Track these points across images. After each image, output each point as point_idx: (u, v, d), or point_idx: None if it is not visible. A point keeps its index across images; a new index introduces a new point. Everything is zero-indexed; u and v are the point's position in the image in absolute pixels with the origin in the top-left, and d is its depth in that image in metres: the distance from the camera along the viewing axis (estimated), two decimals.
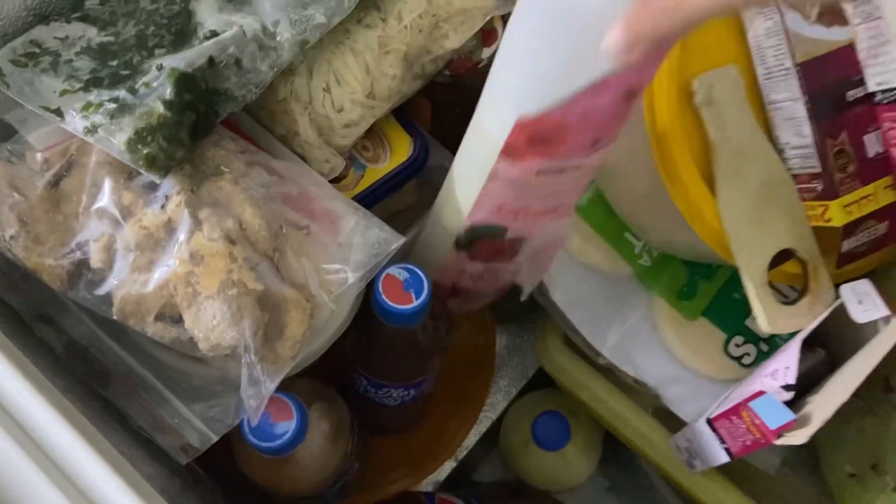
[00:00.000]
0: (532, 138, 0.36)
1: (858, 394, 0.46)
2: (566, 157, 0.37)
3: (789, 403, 0.41)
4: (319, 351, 0.43)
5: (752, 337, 0.57)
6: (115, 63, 0.39)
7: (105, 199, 0.37)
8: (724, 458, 0.47)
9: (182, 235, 0.36)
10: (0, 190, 0.36)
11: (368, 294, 0.43)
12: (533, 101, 0.35)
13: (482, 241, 0.46)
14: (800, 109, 0.43)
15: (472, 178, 0.41)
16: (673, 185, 0.44)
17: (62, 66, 0.38)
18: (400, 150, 0.51)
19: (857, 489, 0.50)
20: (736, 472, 0.57)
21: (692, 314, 0.57)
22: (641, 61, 0.29)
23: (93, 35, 0.40)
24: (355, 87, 0.45)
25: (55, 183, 0.38)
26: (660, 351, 0.57)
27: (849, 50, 0.43)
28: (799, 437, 0.38)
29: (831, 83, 0.43)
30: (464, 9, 0.47)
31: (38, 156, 0.38)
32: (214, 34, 0.39)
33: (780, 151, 0.45)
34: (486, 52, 0.52)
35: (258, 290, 0.36)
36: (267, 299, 0.37)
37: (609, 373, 0.58)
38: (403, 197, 0.55)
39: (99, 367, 0.38)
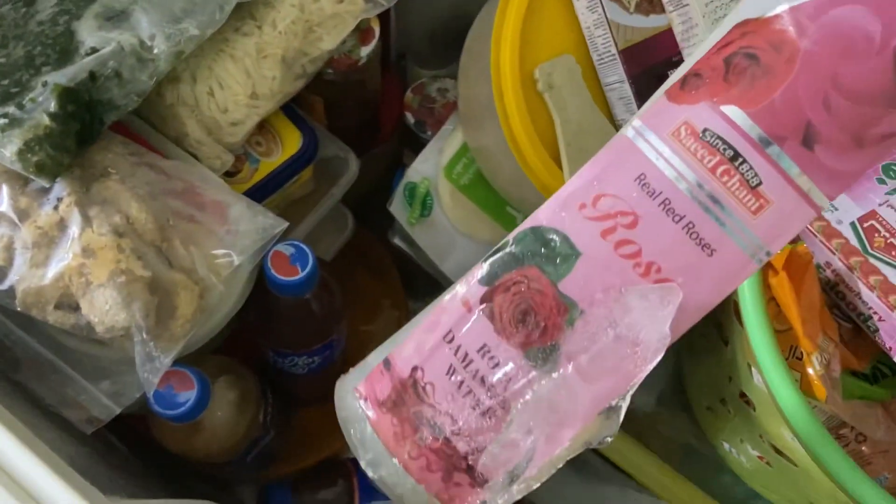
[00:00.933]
0: (736, 65, 0.30)
1: (706, 335, 0.52)
2: (769, 125, 0.28)
3: None
4: (217, 327, 0.48)
5: None
6: (6, 82, 0.43)
7: (3, 204, 0.41)
8: None
9: (74, 232, 0.41)
10: None
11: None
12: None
13: None
14: (627, 89, 0.48)
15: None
16: (524, 164, 0.50)
17: None
18: (290, 143, 0.56)
19: (713, 420, 0.56)
20: None
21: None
22: None
23: None
24: (237, 90, 0.50)
25: None
26: None
27: (668, 34, 0.48)
28: None
29: (654, 64, 0.49)
30: (335, 13, 0.52)
31: None
32: (95, 50, 0.43)
33: (618, 127, 0.50)
34: (364, 51, 0.57)
35: (146, 277, 0.41)
36: (157, 284, 0.42)
37: None
38: (302, 186, 0.60)
39: (9, 354, 0.43)
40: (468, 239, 0.62)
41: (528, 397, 0.33)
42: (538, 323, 0.33)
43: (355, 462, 0.72)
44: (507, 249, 0.36)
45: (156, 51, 0.44)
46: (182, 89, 0.49)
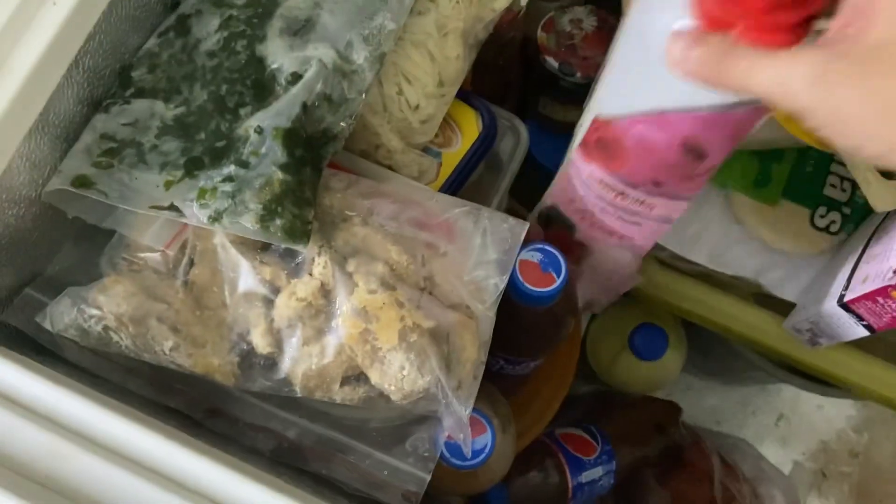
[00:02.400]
0: (599, 141, 0.41)
1: None
2: (626, 181, 0.42)
3: None
4: None
5: (834, 204, 0.57)
6: (202, 136, 0.36)
7: (247, 280, 0.35)
8: (862, 333, 0.48)
9: (341, 296, 0.35)
10: (141, 304, 0.34)
11: None
12: (608, 106, 0.40)
13: (556, 225, 0.49)
14: None
15: (565, 160, 0.46)
16: None
17: (150, 155, 0.35)
18: (469, 127, 0.49)
19: None
20: None
21: (773, 198, 0.57)
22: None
23: (162, 110, 0.37)
24: (426, 81, 0.43)
25: (186, 279, 0.36)
26: (749, 243, 0.58)
27: None
28: None
29: None
30: None
31: (158, 256, 0.36)
32: (298, 77, 0.36)
33: None
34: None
35: (432, 327, 0.35)
36: (438, 331, 0.36)
37: (705, 277, 0.59)
38: None
39: (287, 443, 0.37)
40: None
41: None
42: None
43: (556, 439, 0.69)
44: None
45: (358, 60, 0.37)
46: (369, 96, 0.42)
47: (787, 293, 0.57)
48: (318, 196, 0.37)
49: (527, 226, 0.41)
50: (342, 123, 0.37)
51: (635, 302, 0.72)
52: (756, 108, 0.35)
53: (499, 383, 0.53)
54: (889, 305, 0.44)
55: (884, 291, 0.44)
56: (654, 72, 0.33)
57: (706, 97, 0.34)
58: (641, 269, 0.60)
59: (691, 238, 0.57)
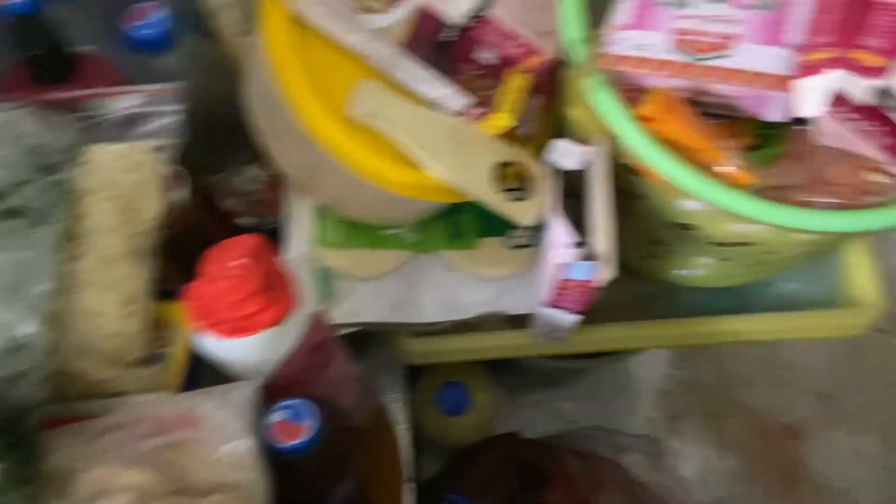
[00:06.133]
0: None
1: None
2: None
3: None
4: None
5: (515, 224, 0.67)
6: None
7: None
8: (574, 317, 0.57)
9: None
10: None
11: None
12: None
13: None
14: (423, 73, 0.51)
15: None
16: (391, 185, 0.52)
17: None
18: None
19: (656, 262, 0.63)
20: None
21: (471, 244, 0.66)
22: None
23: None
24: (109, 309, 0.46)
25: None
26: (472, 284, 0.66)
27: (423, 13, 0.52)
28: (609, 273, 0.49)
29: (425, 45, 0.51)
30: (139, 180, 0.50)
31: None
32: None
33: (439, 107, 0.53)
34: (182, 193, 0.55)
35: None
36: None
37: (459, 325, 0.66)
38: None
39: None
40: (371, 283, 0.62)
41: None
42: None
43: None
44: None
45: (28, 330, 0.40)
46: (62, 345, 0.45)
47: (521, 309, 0.66)
48: (44, 461, 0.39)
49: (258, 388, 0.46)
50: (33, 392, 0.39)
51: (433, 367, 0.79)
52: None
53: None
54: (573, 294, 0.53)
55: (563, 285, 0.52)
56: None
57: None
58: (400, 348, 0.66)
59: (419, 306, 0.64)
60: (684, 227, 0.53)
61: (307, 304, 0.47)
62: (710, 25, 0.46)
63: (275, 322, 0.44)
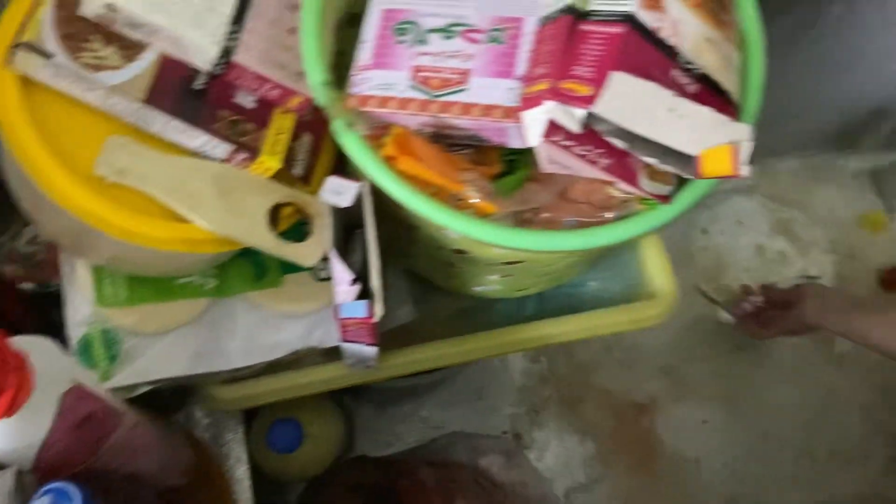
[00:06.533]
0: None
1: (397, 237, 0.58)
2: None
3: (365, 287, 0.52)
4: None
5: None
6: None
7: None
8: (372, 349, 0.58)
9: None
10: None
11: None
12: None
13: None
14: (178, 123, 0.50)
15: None
16: (157, 242, 0.50)
17: None
18: None
19: (455, 281, 0.65)
20: (404, 336, 0.70)
21: (277, 281, 0.65)
22: None
23: None
24: None
25: None
26: (283, 320, 0.65)
27: (165, 61, 0.50)
28: (379, 310, 0.49)
29: (175, 95, 0.50)
30: None
31: None
32: None
33: (203, 156, 0.52)
34: None
35: None
36: None
37: (273, 366, 0.66)
38: None
39: None
40: (168, 338, 0.60)
41: None
42: None
43: None
44: None
45: None
46: None
47: (335, 341, 0.65)
48: None
49: (19, 474, 0.44)
50: None
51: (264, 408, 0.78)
52: None
53: None
54: (357, 330, 0.53)
55: (344, 325, 0.53)
56: None
57: None
58: (209, 396, 0.64)
59: (231, 350, 0.63)
60: (460, 251, 0.54)
61: (65, 379, 0.45)
62: (446, 61, 0.47)
63: (5, 412, 0.41)
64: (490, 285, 0.62)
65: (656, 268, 0.71)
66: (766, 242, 1.27)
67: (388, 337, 0.71)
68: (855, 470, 1.13)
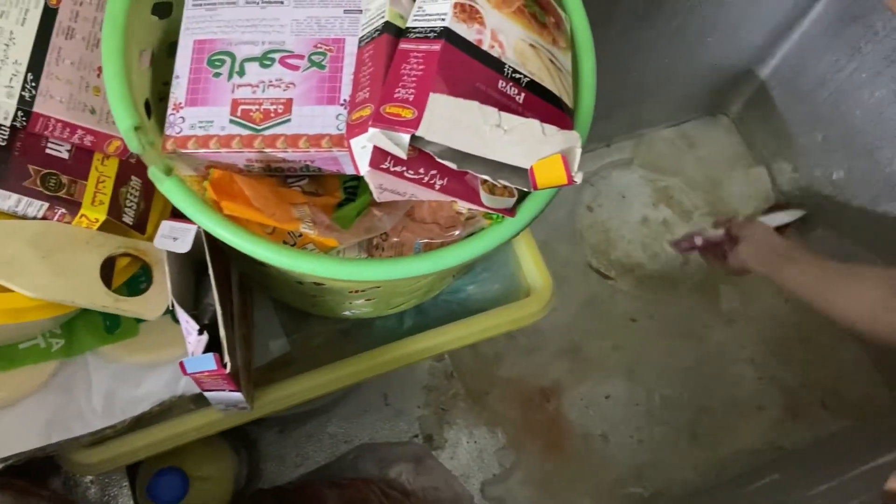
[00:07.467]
0: None
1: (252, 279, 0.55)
2: None
3: (214, 337, 0.49)
4: None
5: None
6: None
7: None
8: (237, 395, 0.55)
9: None
10: None
11: None
12: None
13: None
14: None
15: None
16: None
17: None
18: None
19: (324, 310, 0.62)
20: (283, 367, 0.67)
21: (133, 330, 0.61)
22: None
23: None
24: None
25: None
26: (146, 371, 0.61)
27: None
28: (229, 362, 0.46)
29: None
30: None
31: None
32: None
33: (19, 215, 0.48)
34: None
35: None
36: None
37: (147, 418, 0.61)
38: None
39: None
40: (23, 407, 0.56)
41: None
42: None
43: None
44: None
45: None
46: None
47: (188, 389, 0.61)
48: None
49: None
50: None
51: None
52: None
53: None
54: (215, 383, 0.50)
55: (197, 380, 0.50)
56: None
57: None
58: (71, 463, 0.60)
59: (91, 411, 0.58)
60: (318, 283, 0.52)
61: None
62: (266, 92, 0.44)
63: None
64: (359, 308, 0.60)
65: (530, 265, 0.71)
66: (649, 213, 1.29)
67: (266, 369, 0.68)
68: (752, 421, 1.17)
